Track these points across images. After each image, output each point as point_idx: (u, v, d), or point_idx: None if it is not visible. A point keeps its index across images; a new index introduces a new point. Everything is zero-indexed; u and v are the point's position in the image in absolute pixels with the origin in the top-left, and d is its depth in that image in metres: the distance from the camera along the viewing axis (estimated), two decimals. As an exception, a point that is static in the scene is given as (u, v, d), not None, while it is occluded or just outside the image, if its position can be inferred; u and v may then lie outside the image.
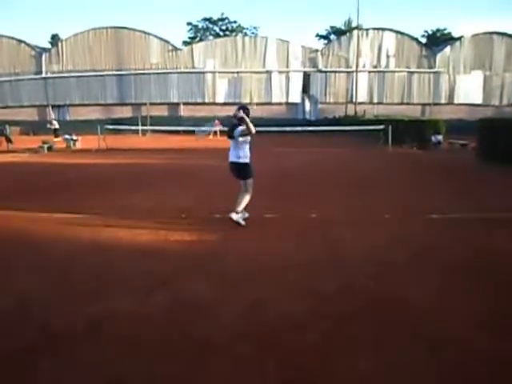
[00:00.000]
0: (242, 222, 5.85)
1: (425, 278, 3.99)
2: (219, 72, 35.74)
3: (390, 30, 35.93)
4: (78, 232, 5.57)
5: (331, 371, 2.55)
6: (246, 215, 6.03)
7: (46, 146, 18.75)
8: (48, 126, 26.28)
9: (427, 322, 3.14)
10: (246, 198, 5.92)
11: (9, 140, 19.38)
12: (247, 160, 6.01)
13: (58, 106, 35.80)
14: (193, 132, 26.12)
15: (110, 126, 23.15)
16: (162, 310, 3.35)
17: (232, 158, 6.00)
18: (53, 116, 29.48)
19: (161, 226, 5.86)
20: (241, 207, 5.90)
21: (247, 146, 6.01)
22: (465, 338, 2.89)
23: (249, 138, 5.96)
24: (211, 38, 47.46)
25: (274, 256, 4.61)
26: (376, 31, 35.89)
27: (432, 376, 2.51)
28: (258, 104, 35.46)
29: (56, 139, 21.98)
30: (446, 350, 2.75)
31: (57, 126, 25.58)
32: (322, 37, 50.83)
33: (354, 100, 33.42)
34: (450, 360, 2.65)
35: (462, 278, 3.99)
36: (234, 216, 5.83)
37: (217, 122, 28.46)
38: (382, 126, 19.70)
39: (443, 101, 36.19)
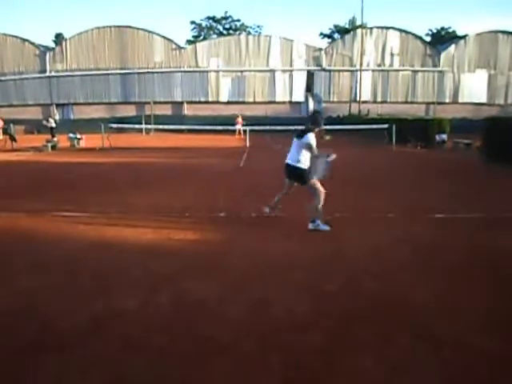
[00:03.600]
0: (325, 227, 5.54)
1: (428, 278, 3.98)
2: (223, 71, 35.76)
3: (394, 28, 35.83)
4: (82, 230, 5.58)
5: (335, 370, 2.54)
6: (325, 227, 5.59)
7: (49, 144, 18.82)
8: (44, 123, 25.19)
9: (430, 321, 3.13)
10: (317, 201, 5.51)
11: (13, 139, 19.44)
12: (304, 167, 5.57)
13: (62, 105, 35.96)
14: (197, 131, 26.03)
15: (114, 125, 23.21)
16: (166, 308, 3.35)
17: (288, 159, 5.70)
18: (57, 116, 29.40)
19: (165, 224, 5.87)
20: (318, 211, 5.54)
21: (308, 156, 5.58)
22: (467, 338, 2.87)
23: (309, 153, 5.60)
24: (215, 36, 47.52)
25: (279, 255, 4.61)
26: (380, 30, 35.79)
27: (434, 376, 2.50)
28: (261, 103, 35.49)
29: (53, 139, 21.64)
30: (448, 350, 2.74)
31: (53, 125, 24.69)
32: (325, 35, 50.87)
33: (357, 99, 33.32)
34: (452, 360, 2.64)
35: (465, 278, 3.97)
36: (312, 225, 5.57)
37: (239, 119, 27.86)
38: (385, 125, 19.64)
39: (447, 100, 36.07)
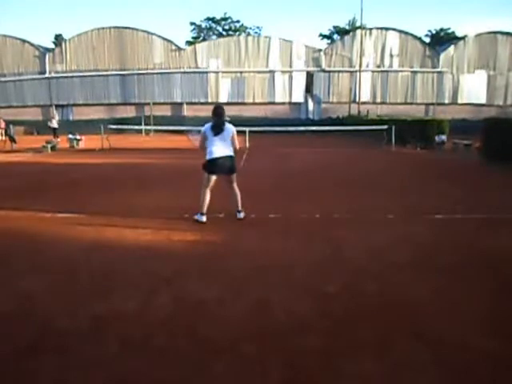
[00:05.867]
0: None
1: (428, 279, 3.97)
2: (222, 72, 35.77)
3: (394, 29, 35.85)
4: (81, 231, 5.58)
5: (334, 371, 2.54)
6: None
7: (49, 145, 18.81)
8: (48, 123, 25.67)
9: (430, 322, 3.13)
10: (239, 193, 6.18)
11: (12, 140, 19.44)
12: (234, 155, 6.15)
13: (62, 106, 35.94)
14: (198, 132, 25.99)
15: (114, 126, 23.19)
16: (165, 309, 3.35)
17: (220, 152, 5.93)
18: (56, 116, 29.42)
19: (164, 225, 5.86)
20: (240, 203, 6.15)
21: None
22: (467, 339, 2.87)
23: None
24: (214, 37, 47.52)
25: (278, 256, 4.61)
26: (379, 31, 35.82)
27: (434, 376, 2.49)
28: (261, 104, 35.50)
29: (56, 139, 21.83)
30: (448, 351, 2.74)
31: (55, 126, 24.97)
32: (325, 36, 50.84)
33: (357, 100, 33.34)
34: (452, 360, 2.64)
35: (465, 279, 3.97)
36: (243, 214, 6.16)
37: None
38: (385, 126, 19.65)
39: (447, 101, 36.08)
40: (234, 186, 6.16)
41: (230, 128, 6.02)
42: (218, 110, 6.06)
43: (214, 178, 6.03)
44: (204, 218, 5.98)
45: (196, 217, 6.02)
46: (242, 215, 6.14)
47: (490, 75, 35.99)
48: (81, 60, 35.42)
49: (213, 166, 5.97)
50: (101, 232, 5.56)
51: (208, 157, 5.99)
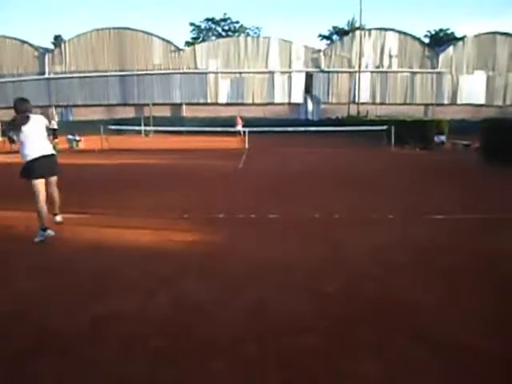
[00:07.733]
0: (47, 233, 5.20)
1: (428, 279, 3.98)
2: (222, 72, 35.78)
3: (393, 30, 35.89)
4: (81, 232, 5.57)
5: (333, 373, 2.54)
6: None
7: (48, 146, 18.74)
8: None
9: (430, 323, 3.13)
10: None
11: (11, 141, 19.36)
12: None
13: (61, 107, 35.93)
14: (196, 132, 26.04)
15: (113, 127, 23.18)
16: (165, 310, 3.34)
17: (42, 151, 5.23)
18: (56, 117, 29.42)
19: (163, 226, 5.86)
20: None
21: None
22: (466, 340, 2.87)
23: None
24: (214, 38, 47.53)
25: (277, 256, 4.60)
26: (379, 31, 35.85)
27: (434, 377, 2.49)
28: (260, 104, 35.50)
29: (55, 140, 21.74)
30: (447, 351, 2.74)
31: (55, 127, 24.86)
32: (324, 37, 50.96)
33: (356, 100, 33.36)
34: (452, 361, 2.64)
35: (464, 279, 3.97)
36: (61, 218, 5.76)
37: (239, 119, 28.13)
38: (384, 127, 19.66)
39: (446, 101, 36.12)
40: (55, 187, 5.58)
41: (41, 117, 5.42)
42: (26, 102, 5.42)
43: (43, 182, 5.28)
44: (52, 232, 5.20)
45: (39, 237, 5.07)
46: (60, 219, 5.73)
47: (489, 76, 36.03)
48: (80, 61, 35.43)
49: (43, 166, 5.22)
50: (100, 232, 5.56)
51: (28, 158, 5.23)
